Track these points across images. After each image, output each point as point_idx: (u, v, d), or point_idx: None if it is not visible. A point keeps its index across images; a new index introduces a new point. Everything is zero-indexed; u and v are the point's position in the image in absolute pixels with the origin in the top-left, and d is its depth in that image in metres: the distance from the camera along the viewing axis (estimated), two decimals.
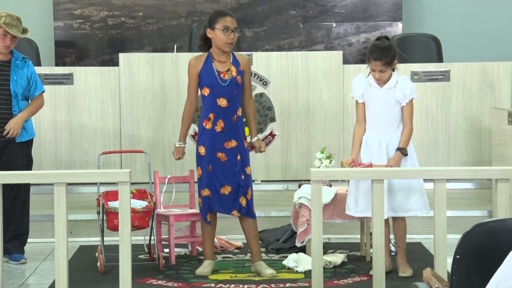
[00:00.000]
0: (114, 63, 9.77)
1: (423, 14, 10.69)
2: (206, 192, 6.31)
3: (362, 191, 6.21)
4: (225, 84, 6.25)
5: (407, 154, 6.13)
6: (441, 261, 5.00)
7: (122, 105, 8.23)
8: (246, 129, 6.46)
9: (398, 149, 6.13)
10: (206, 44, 6.32)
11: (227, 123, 6.27)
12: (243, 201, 6.31)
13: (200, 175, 6.32)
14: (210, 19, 6.28)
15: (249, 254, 7.05)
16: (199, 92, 6.37)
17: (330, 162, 6.88)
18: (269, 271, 6.29)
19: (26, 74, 6.88)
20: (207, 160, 6.27)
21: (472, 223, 3.01)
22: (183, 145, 6.45)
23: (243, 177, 6.31)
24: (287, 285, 6.09)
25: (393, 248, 7.00)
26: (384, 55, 6.08)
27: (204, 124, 6.28)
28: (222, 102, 6.25)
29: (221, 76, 6.24)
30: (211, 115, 6.25)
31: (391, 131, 6.18)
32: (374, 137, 6.21)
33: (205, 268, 6.36)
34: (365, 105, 6.27)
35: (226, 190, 6.28)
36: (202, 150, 6.28)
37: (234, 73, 6.28)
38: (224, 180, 6.26)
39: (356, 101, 6.31)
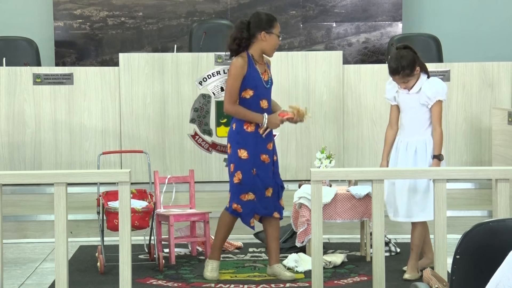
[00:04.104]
0: (114, 63, 9.77)
1: (423, 14, 10.69)
2: (250, 196, 6.16)
3: (398, 194, 6.22)
4: (268, 86, 6.21)
5: (443, 159, 6.14)
6: (441, 261, 5.00)
7: (122, 105, 8.23)
8: None
9: (434, 156, 6.12)
10: (243, 46, 6.13)
11: None
12: (282, 202, 6.30)
13: (240, 179, 6.14)
14: (265, 22, 6.11)
15: (249, 254, 7.05)
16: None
17: (330, 162, 6.88)
18: (288, 274, 6.26)
19: None
20: (251, 163, 6.13)
21: (472, 223, 3.01)
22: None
23: (280, 177, 6.32)
24: (287, 285, 6.09)
25: (393, 248, 7.01)
26: (400, 68, 6.07)
27: (245, 127, 6.12)
28: (264, 103, 6.17)
29: (263, 78, 6.19)
30: None
31: (418, 134, 6.18)
32: (402, 141, 6.24)
33: (214, 272, 6.30)
34: (399, 108, 6.29)
35: (269, 192, 6.20)
36: (244, 153, 6.13)
37: (269, 74, 6.26)
38: (267, 182, 6.19)
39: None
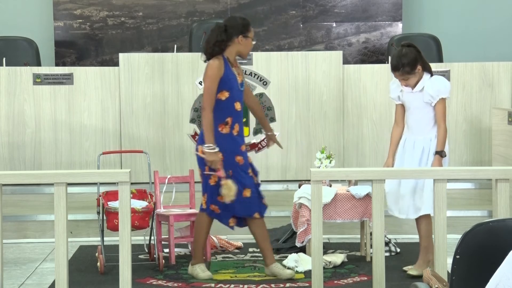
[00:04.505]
0: (114, 63, 9.77)
1: (423, 14, 10.69)
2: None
3: (403, 192, 6.24)
4: (242, 88, 6.26)
5: (445, 155, 6.17)
6: (441, 261, 5.00)
7: (122, 105, 8.23)
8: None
9: (436, 152, 6.16)
10: (220, 49, 6.17)
11: (240, 126, 6.24)
12: (264, 201, 6.33)
13: (216, 181, 6.16)
14: (242, 26, 6.18)
15: (249, 254, 7.05)
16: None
17: (330, 162, 6.88)
18: (287, 271, 6.26)
19: None
20: (227, 165, 6.14)
21: (472, 223, 3.01)
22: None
23: (255, 178, 6.33)
24: (287, 285, 6.09)
25: (393, 248, 7.01)
26: (400, 65, 6.13)
27: (220, 129, 6.15)
28: (238, 106, 6.21)
29: (238, 80, 6.24)
30: (228, 119, 6.17)
31: (424, 132, 6.24)
32: (409, 139, 6.29)
33: (206, 271, 6.31)
34: (403, 106, 6.34)
35: (248, 192, 6.22)
36: (219, 155, 6.12)
37: (242, 77, 6.31)
38: (244, 183, 6.20)
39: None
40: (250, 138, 8.20)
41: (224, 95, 6.16)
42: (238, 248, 7.28)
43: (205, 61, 6.22)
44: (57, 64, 10.21)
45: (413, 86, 6.21)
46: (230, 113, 6.17)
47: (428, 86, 6.18)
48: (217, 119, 6.15)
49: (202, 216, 6.32)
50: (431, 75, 6.24)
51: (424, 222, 6.28)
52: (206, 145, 6.08)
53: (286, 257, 6.67)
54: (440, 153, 6.16)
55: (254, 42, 6.28)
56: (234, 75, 6.19)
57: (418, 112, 6.24)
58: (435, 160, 6.15)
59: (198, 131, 8.19)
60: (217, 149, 6.08)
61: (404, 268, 6.40)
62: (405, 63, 6.11)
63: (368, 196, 6.65)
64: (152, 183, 7.00)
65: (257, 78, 8.24)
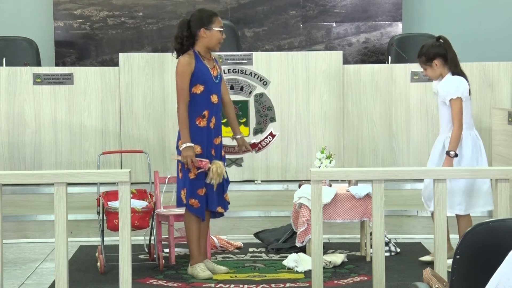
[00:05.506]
0: (114, 63, 9.77)
1: (423, 14, 10.69)
2: (203, 191, 6.25)
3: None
4: (217, 81, 6.28)
5: (456, 156, 6.19)
6: (441, 261, 5.00)
7: (122, 105, 8.23)
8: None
9: (446, 152, 6.21)
10: (186, 44, 6.23)
11: (217, 119, 6.30)
12: (227, 197, 6.38)
13: (196, 174, 6.22)
14: (203, 19, 6.25)
15: (249, 254, 7.05)
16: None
17: (330, 162, 6.88)
18: (223, 268, 6.37)
19: None
20: (204, 158, 6.21)
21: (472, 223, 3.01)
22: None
23: (225, 173, 6.38)
24: (287, 285, 6.09)
25: (393, 248, 7.01)
26: (420, 53, 6.37)
27: (197, 123, 6.19)
28: (215, 98, 6.25)
29: (212, 73, 6.26)
30: (205, 113, 6.21)
31: (445, 131, 6.37)
32: (438, 137, 6.44)
33: (206, 271, 6.32)
34: None
35: (214, 186, 6.28)
36: (198, 148, 6.19)
37: (218, 70, 6.35)
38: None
39: None
40: (250, 138, 8.20)
41: (199, 88, 6.20)
42: (238, 248, 7.28)
43: (177, 58, 6.27)
44: (57, 64, 10.21)
45: (438, 80, 6.34)
46: (206, 106, 6.21)
47: (440, 85, 6.28)
48: (194, 113, 6.20)
49: (188, 214, 6.34)
50: (453, 74, 6.33)
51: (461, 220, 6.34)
52: (182, 143, 6.14)
53: (286, 257, 6.67)
54: (448, 153, 6.19)
55: (222, 31, 6.27)
56: (207, 68, 6.23)
57: (440, 111, 6.37)
58: (445, 160, 6.21)
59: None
60: (190, 146, 6.13)
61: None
62: (423, 52, 6.35)
63: (368, 196, 6.65)
64: (152, 183, 7.00)
65: (257, 78, 8.24)
